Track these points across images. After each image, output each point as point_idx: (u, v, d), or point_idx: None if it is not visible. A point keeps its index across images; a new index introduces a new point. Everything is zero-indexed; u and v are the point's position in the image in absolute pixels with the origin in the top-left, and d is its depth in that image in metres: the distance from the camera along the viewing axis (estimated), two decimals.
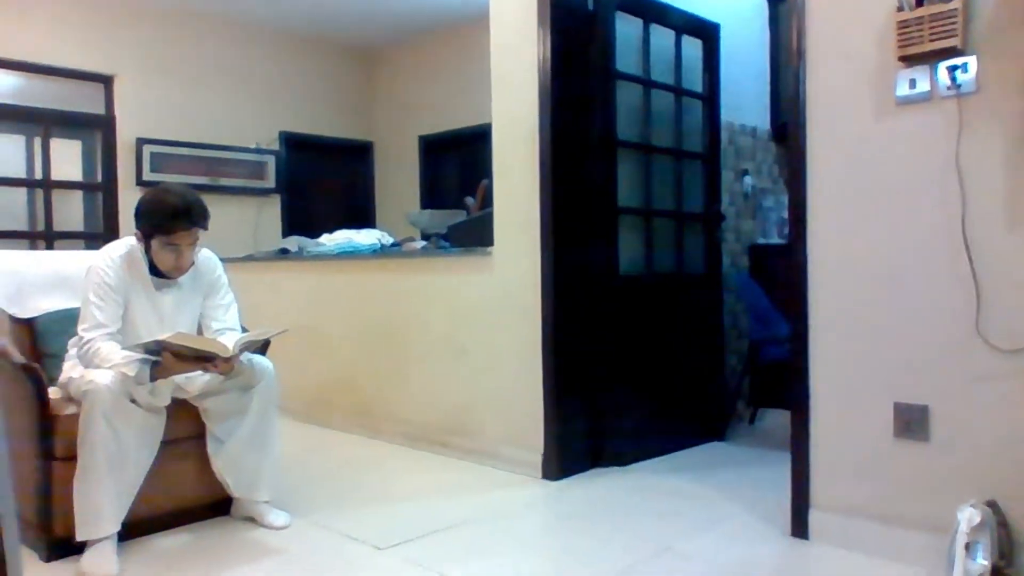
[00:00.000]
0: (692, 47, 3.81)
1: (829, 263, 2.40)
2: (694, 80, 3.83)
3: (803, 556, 2.38)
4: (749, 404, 4.30)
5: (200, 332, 2.73)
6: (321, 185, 7.05)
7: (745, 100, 4.34)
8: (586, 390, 3.33)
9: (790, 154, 2.51)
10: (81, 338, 2.45)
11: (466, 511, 2.84)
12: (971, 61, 2.10)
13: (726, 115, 4.05)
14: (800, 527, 2.47)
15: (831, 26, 2.37)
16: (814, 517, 2.44)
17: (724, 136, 4.12)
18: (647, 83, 3.56)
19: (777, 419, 4.09)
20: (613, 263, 3.39)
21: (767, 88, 4.52)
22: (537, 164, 3.21)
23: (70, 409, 2.41)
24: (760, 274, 4.27)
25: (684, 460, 3.49)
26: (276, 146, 6.55)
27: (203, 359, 2.40)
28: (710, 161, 3.89)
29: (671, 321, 3.65)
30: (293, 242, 4.78)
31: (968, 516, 1.97)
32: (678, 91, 3.73)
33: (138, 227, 2.55)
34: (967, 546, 1.95)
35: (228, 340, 2.52)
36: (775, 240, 4.57)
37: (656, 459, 3.47)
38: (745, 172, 4.45)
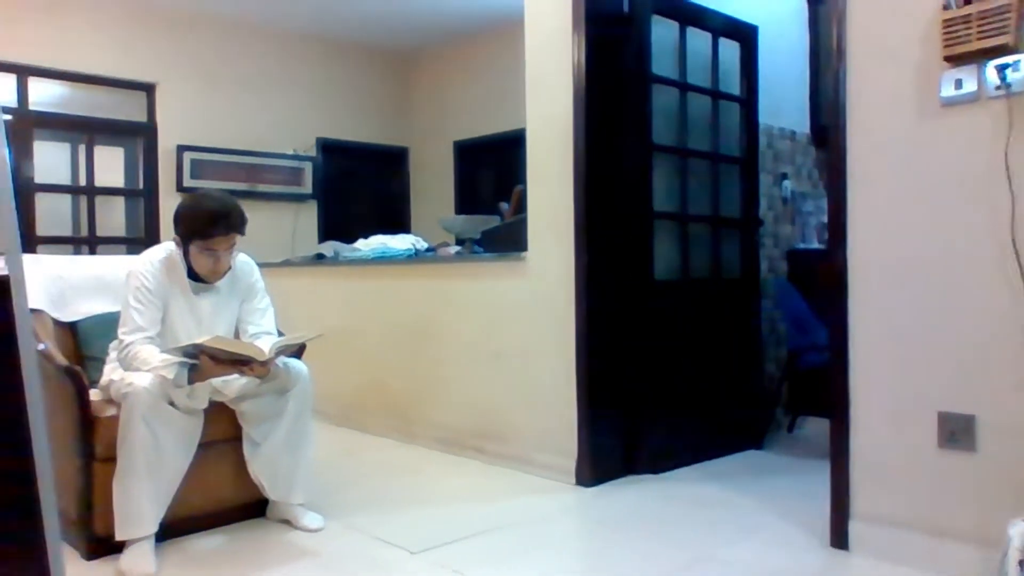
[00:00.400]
0: (729, 49, 3.76)
1: (870, 268, 2.34)
2: (731, 83, 3.78)
3: (843, 567, 2.32)
4: (788, 411, 4.22)
5: (237, 336, 2.76)
6: (357, 190, 7.11)
7: (784, 103, 4.28)
8: (620, 396, 3.30)
9: (830, 157, 2.46)
10: (121, 341, 2.49)
11: (499, 516, 2.83)
12: (1023, 60, 2.04)
13: (764, 118, 3.99)
14: (840, 537, 2.41)
15: (873, 26, 2.32)
16: (855, 527, 2.38)
17: (762, 140, 4.06)
18: (683, 86, 3.53)
19: (816, 427, 4.01)
20: (648, 268, 3.36)
21: (806, 91, 4.45)
22: (571, 169, 3.19)
23: (110, 411, 2.45)
24: (799, 280, 4.20)
25: (721, 468, 3.44)
26: (313, 152, 6.63)
27: (239, 362, 2.43)
28: (748, 165, 3.84)
29: (707, 327, 3.60)
30: (329, 247, 4.82)
31: (1021, 531, 1.90)
32: (715, 94, 3.68)
33: (177, 232, 2.58)
34: (1021, 563, 1.88)
35: (264, 344, 2.54)
36: (814, 245, 4.48)
37: (692, 467, 3.42)
38: (784, 176, 4.38)
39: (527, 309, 3.41)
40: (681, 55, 3.52)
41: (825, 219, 4.19)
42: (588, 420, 3.18)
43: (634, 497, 3.05)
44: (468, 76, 6.77)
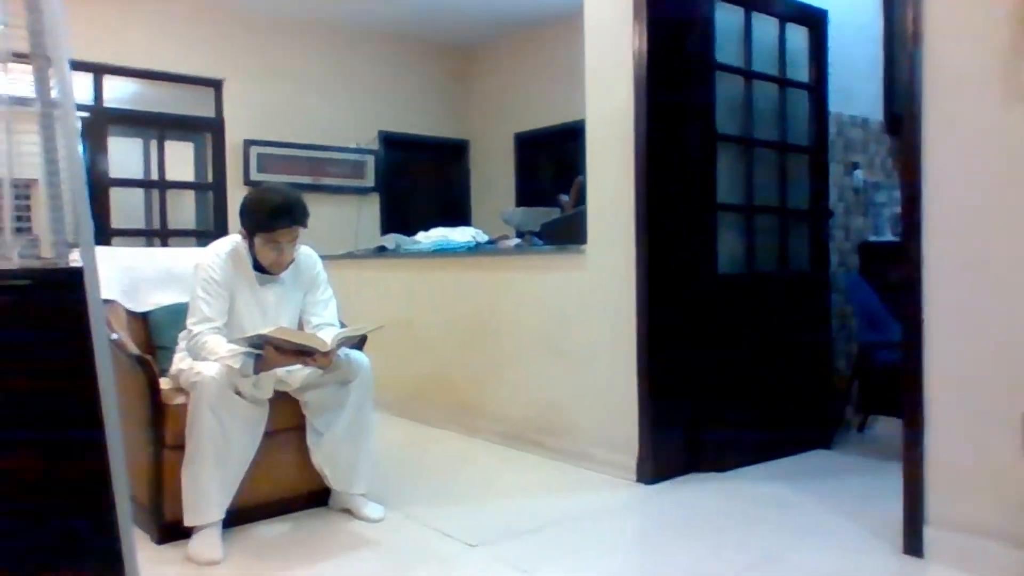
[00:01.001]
0: (797, 35, 3.64)
1: (947, 261, 2.23)
2: (799, 70, 3.66)
3: (918, 575, 2.23)
4: (858, 410, 4.08)
5: (300, 327, 2.81)
6: (418, 183, 7.16)
7: (856, 89, 4.12)
8: (683, 392, 3.23)
9: (903, 145, 2.35)
10: (190, 331, 2.56)
11: (559, 512, 2.81)
12: None
13: (834, 106, 3.85)
14: (914, 544, 2.31)
15: (953, 6, 2.20)
16: (930, 534, 2.28)
17: (832, 128, 3.92)
18: (748, 74, 3.43)
19: (888, 427, 3.86)
20: (711, 261, 3.28)
21: (880, 76, 4.28)
22: (632, 160, 3.13)
23: (180, 399, 2.52)
24: (871, 274, 4.05)
25: (787, 467, 3.34)
26: (375, 145, 6.70)
27: (303, 353, 2.46)
28: (817, 154, 3.71)
29: (774, 322, 3.50)
30: (391, 239, 4.87)
31: None
32: (782, 82, 3.57)
33: (242, 224, 2.64)
34: None
35: (326, 335, 2.58)
36: (888, 237, 4.31)
37: (757, 465, 3.34)
38: (855, 165, 4.23)
39: (587, 302, 3.37)
40: (746, 42, 3.42)
41: (899, 210, 4.04)
42: (650, 416, 3.13)
43: (697, 495, 2.99)
44: (528, 68, 6.74)
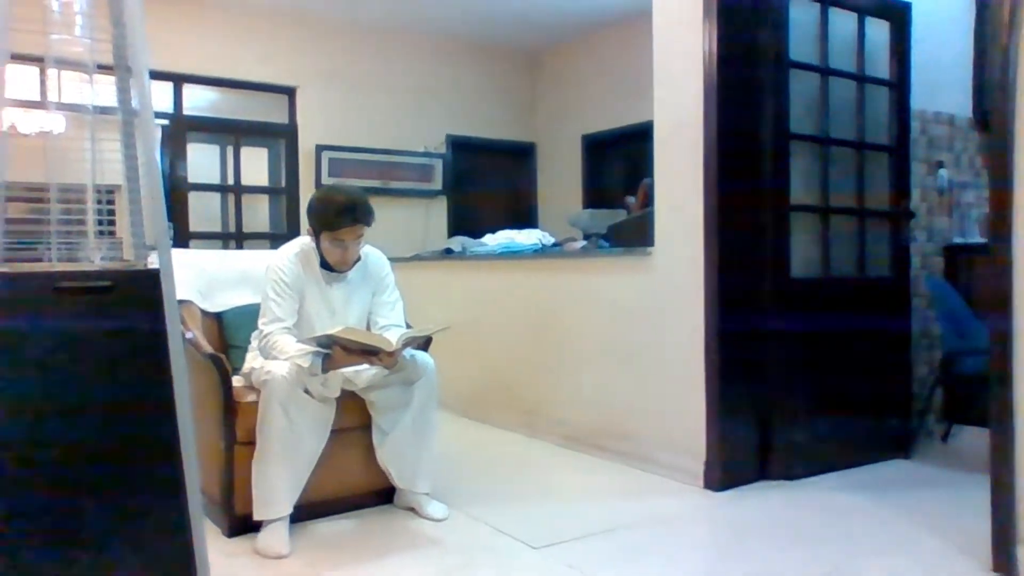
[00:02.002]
0: (878, 29, 3.50)
1: None
2: (879, 66, 3.51)
3: None
4: (941, 420, 3.90)
5: (368, 327, 2.85)
6: (485, 186, 7.19)
7: (942, 84, 3.93)
8: (753, 397, 3.14)
9: (993, 142, 2.23)
10: (261, 331, 2.63)
11: (622, 516, 2.77)
12: None
13: (918, 102, 3.68)
14: (1005, 563, 2.17)
15: None
16: (1023, 554, 2.15)
17: (915, 125, 3.76)
18: (825, 71, 3.31)
19: (974, 438, 3.66)
20: (784, 264, 3.18)
21: (969, 71, 4.07)
22: (701, 160, 3.07)
23: (251, 397, 2.58)
24: (957, 277, 3.86)
25: (863, 477, 3.21)
26: (443, 149, 6.76)
27: (368, 353, 2.50)
28: (898, 153, 3.56)
29: (850, 327, 3.36)
30: (457, 242, 4.90)
31: None
32: (861, 78, 3.44)
33: (310, 223, 2.70)
34: None
35: (392, 336, 2.61)
36: (976, 239, 4.11)
37: (831, 474, 3.22)
38: (940, 164, 4.04)
39: (653, 305, 3.32)
40: (822, 38, 3.31)
41: (988, 211, 3.84)
42: (718, 421, 3.05)
43: (766, 503, 2.90)
44: (595, 69, 6.70)
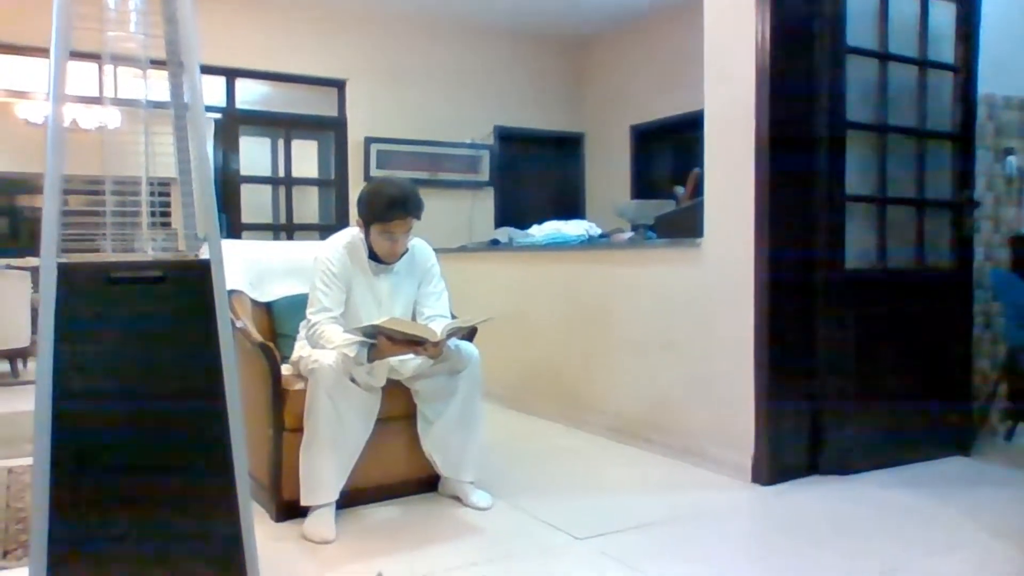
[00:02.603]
0: (942, 12, 3.36)
1: None
2: (943, 49, 3.38)
3: None
4: (1005, 416, 3.75)
5: (414, 318, 2.87)
6: (532, 177, 7.18)
7: (1013, 68, 3.75)
8: (804, 391, 3.07)
9: None
10: (309, 320, 2.67)
11: (668, 509, 2.74)
12: None
13: (986, 86, 3.52)
14: None
15: None
16: None
17: (981, 111, 3.60)
18: (884, 56, 3.21)
19: None
20: (838, 256, 3.09)
21: None
22: (753, 150, 3.00)
23: (299, 385, 2.62)
24: None
25: (918, 473, 3.12)
26: (490, 140, 6.77)
27: (414, 343, 2.51)
28: (962, 140, 3.42)
29: (908, 320, 3.26)
30: (504, 233, 4.90)
31: None
32: (923, 64, 3.32)
33: (359, 215, 2.72)
34: None
35: (437, 326, 2.62)
36: None
37: (884, 470, 3.13)
38: (1009, 151, 3.87)
39: (701, 296, 3.26)
40: (882, 22, 3.20)
41: None
42: (767, 415, 2.99)
43: (817, 498, 2.83)
44: (644, 58, 6.61)
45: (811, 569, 2.22)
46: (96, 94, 2.17)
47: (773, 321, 2.98)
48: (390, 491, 2.82)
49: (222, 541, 1.85)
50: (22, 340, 5.13)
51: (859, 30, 3.12)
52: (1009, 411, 3.74)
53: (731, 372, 3.11)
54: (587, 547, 2.38)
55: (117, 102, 2.19)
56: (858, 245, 3.19)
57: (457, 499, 2.79)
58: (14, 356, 5.43)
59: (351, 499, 2.65)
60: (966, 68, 3.40)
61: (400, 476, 2.83)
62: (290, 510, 2.57)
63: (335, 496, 2.53)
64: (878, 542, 2.40)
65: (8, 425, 4.00)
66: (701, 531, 2.54)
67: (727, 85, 3.13)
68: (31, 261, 5.40)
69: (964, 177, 3.43)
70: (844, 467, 3.08)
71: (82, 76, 2.24)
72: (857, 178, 3.16)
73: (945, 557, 2.28)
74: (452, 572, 2.19)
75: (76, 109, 5.39)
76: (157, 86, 2.16)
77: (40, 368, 1.70)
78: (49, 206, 1.73)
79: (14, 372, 5.47)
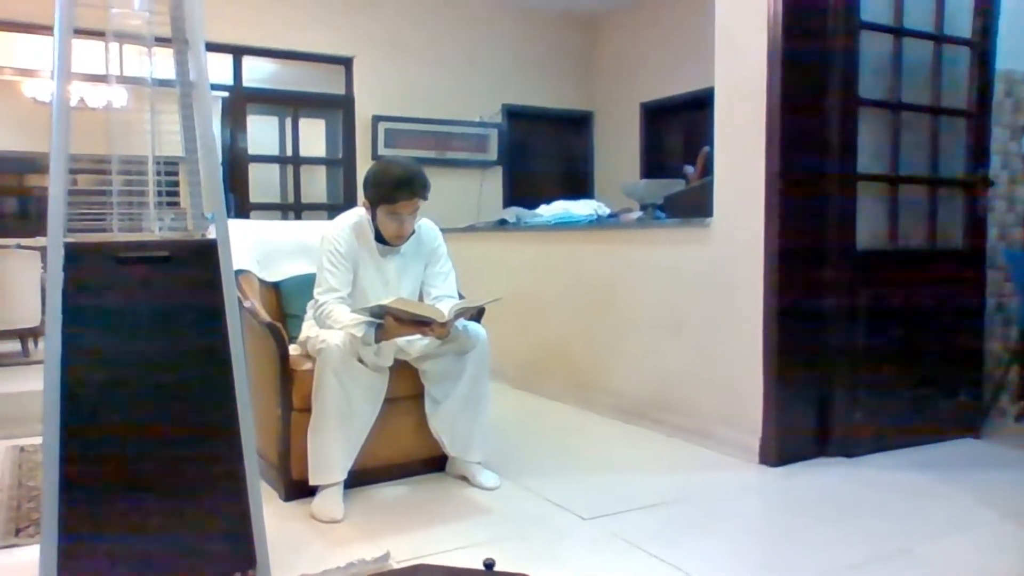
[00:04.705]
0: None
1: None
2: (960, 23, 3.31)
3: None
4: (1016, 399, 3.73)
5: (421, 298, 2.86)
6: (541, 156, 7.14)
7: None
8: (813, 372, 3.06)
9: None
10: (316, 301, 2.66)
11: (676, 490, 2.74)
12: None
13: (1004, 62, 3.45)
14: None
15: None
16: None
17: (999, 87, 3.54)
18: (898, 32, 3.15)
19: None
20: (850, 236, 3.06)
21: None
22: (764, 128, 2.96)
23: (307, 365, 2.62)
24: None
25: (927, 455, 3.10)
26: (499, 119, 6.72)
27: (421, 323, 2.50)
28: (977, 117, 3.36)
29: (919, 300, 3.23)
30: (512, 213, 4.87)
31: None
32: (939, 38, 3.26)
33: (366, 196, 2.70)
34: None
35: (444, 307, 2.61)
36: None
37: (893, 452, 3.12)
38: None
39: (711, 277, 3.24)
40: None
41: None
42: (775, 396, 2.98)
43: (824, 480, 2.83)
44: (654, 35, 6.54)
45: (819, 549, 2.21)
46: (102, 72, 2.15)
47: (782, 302, 2.96)
48: (398, 471, 2.82)
49: (231, 520, 1.86)
50: (32, 320, 5.16)
51: (873, 5, 3.07)
52: (1020, 393, 3.72)
53: (740, 353, 3.10)
54: (594, 527, 2.39)
55: (122, 80, 2.17)
56: (870, 225, 3.15)
57: (464, 479, 2.80)
58: (24, 335, 5.46)
59: (359, 479, 2.66)
60: (983, 43, 3.34)
61: (408, 456, 2.83)
62: (298, 490, 2.58)
63: (343, 476, 2.54)
64: (887, 523, 2.39)
65: (19, 404, 4.02)
66: (709, 512, 2.54)
67: (738, 61, 3.08)
68: (40, 241, 5.41)
69: (978, 155, 3.38)
70: (852, 449, 3.07)
71: (89, 54, 2.21)
72: (869, 157, 3.12)
73: (954, 538, 2.27)
74: (459, 552, 2.20)
75: (83, 87, 5.37)
76: (163, 64, 2.15)
77: (48, 347, 1.71)
78: (56, 185, 1.72)
79: (24, 351, 5.50)
